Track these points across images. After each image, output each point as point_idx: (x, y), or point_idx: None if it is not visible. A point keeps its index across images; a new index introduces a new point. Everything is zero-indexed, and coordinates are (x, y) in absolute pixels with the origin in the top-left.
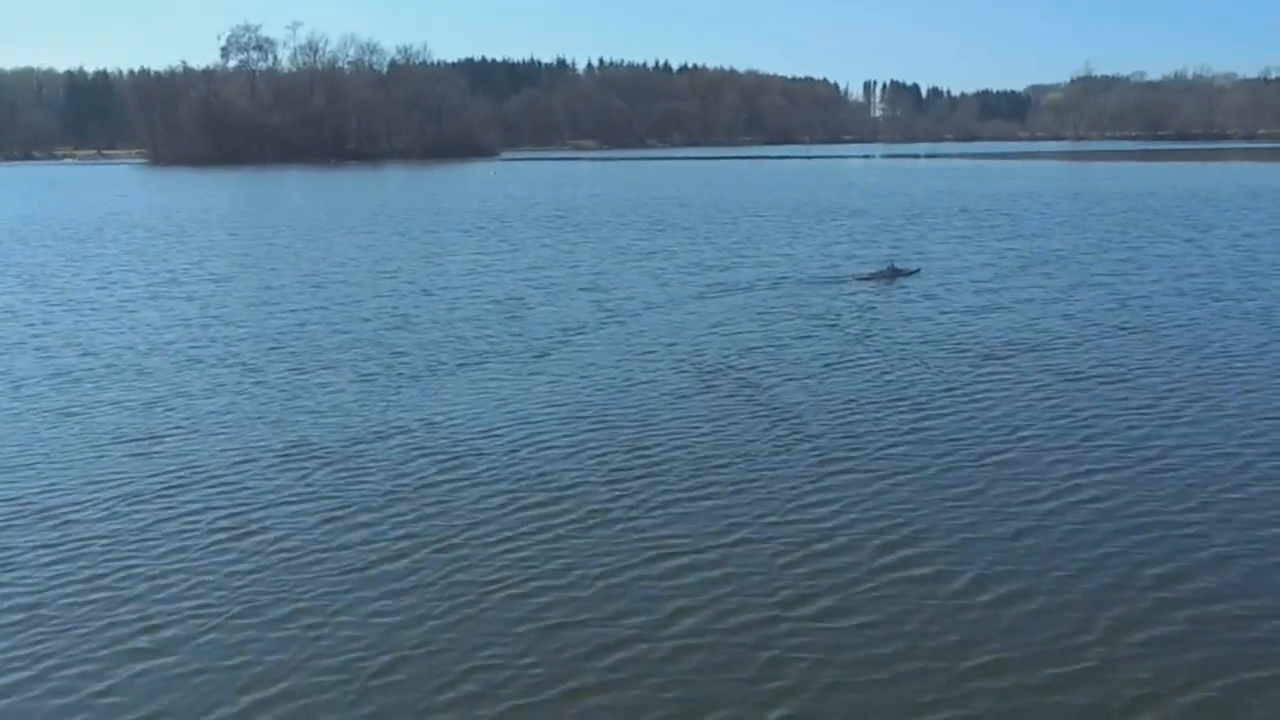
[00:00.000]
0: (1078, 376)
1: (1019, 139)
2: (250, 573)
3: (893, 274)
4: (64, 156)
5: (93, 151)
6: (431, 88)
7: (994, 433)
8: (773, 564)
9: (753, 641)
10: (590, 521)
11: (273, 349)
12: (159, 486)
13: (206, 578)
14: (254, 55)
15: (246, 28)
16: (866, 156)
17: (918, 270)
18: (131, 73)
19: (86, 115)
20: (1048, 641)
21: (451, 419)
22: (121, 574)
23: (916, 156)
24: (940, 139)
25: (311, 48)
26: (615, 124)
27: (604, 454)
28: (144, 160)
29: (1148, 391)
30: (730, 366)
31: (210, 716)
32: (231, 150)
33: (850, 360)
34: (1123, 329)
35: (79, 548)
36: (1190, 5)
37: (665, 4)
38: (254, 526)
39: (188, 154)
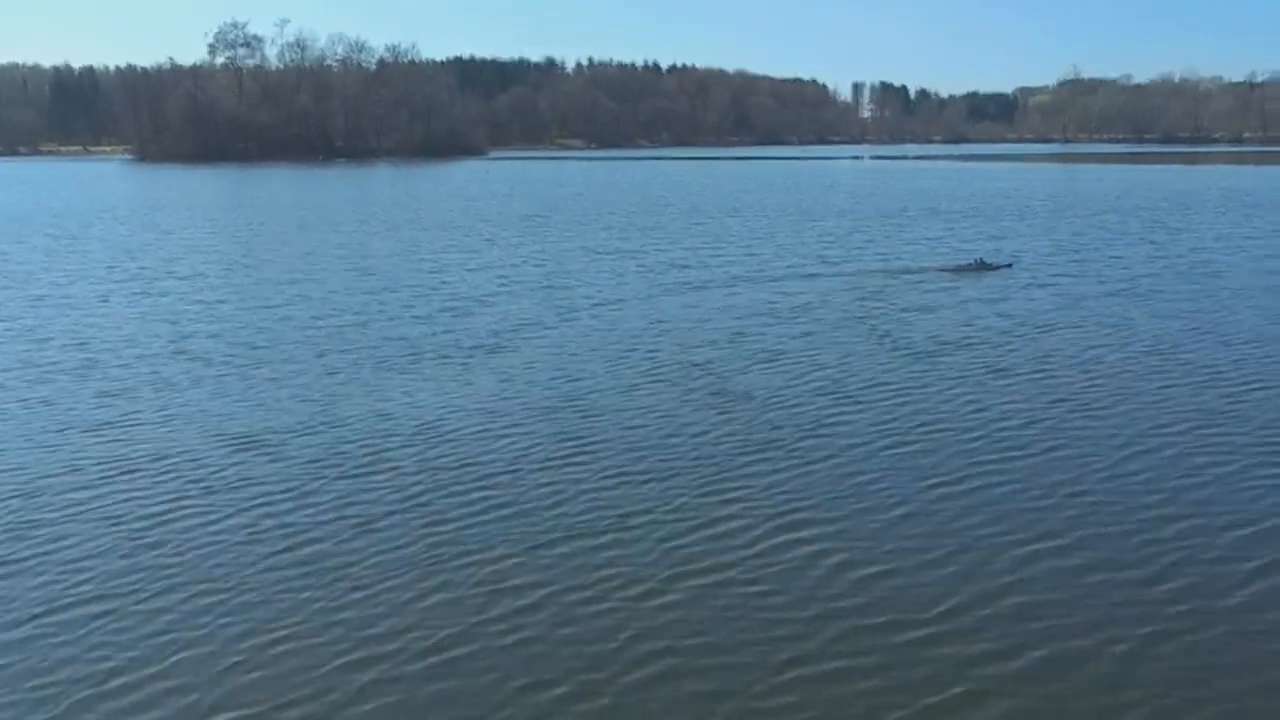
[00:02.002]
0: (999, 372)
1: (1007, 140)
2: (175, 551)
3: (980, 267)
4: (49, 153)
5: (78, 148)
6: (420, 86)
7: (912, 421)
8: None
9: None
10: (519, 504)
11: (227, 345)
12: (108, 473)
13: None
14: (241, 52)
15: (234, 24)
16: (855, 158)
17: (1008, 265)
18: (118, 68)
19: (72, 111)
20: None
21: (385, 414)
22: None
23: (904, 158)
24: (929, 140)
25: (299, 45)
26: (603, 123)
27: (539, 440)
28: (131, 156)
29: (1061, 388)
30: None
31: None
32: (218, 147)
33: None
34: (1052, 327)
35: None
36: (1177, 9)
37: (655, 4)
38: (189, 510)
39: (174, 150)
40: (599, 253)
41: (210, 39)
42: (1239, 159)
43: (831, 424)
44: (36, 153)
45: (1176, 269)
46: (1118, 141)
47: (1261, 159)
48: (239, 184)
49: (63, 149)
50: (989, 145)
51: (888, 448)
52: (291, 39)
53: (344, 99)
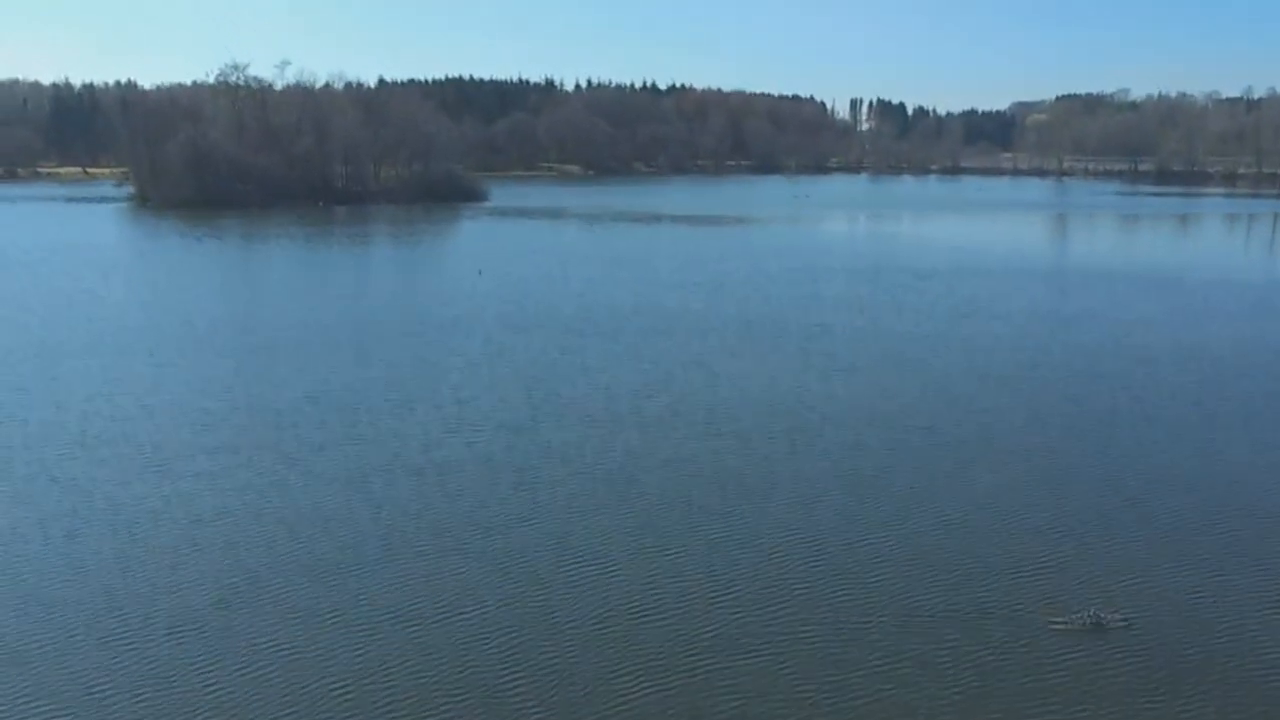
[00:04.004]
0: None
1: (1003, 171)
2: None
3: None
4: (48, 174)
5: (77, 170)
6: (417, 126)
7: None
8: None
9: None
10: None
11: None
12: None
13: None
14: (242, 94)
15: (235, 66)
16: (849, 214)
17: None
18: (118, 84)
19: (71, 130)
20: None
21: None
22: None
23: (897, 220)
24: (926, 169)
25: (300, 87)
26: (601, 148)
27: None
28: (131, 192)
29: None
30: None
31: None
32: (218, 192)
33: None
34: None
35: None
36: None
37: (654, 22)
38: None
39: (174, 195)
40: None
41: (211, 80)
42: (1232, 217)
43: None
44: (35, 174)
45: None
46: (1113, 176)
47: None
48: (242, 273)
49: (61, 171)
50: (982, 182)
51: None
52: (293, 80)
53: (345, 142)
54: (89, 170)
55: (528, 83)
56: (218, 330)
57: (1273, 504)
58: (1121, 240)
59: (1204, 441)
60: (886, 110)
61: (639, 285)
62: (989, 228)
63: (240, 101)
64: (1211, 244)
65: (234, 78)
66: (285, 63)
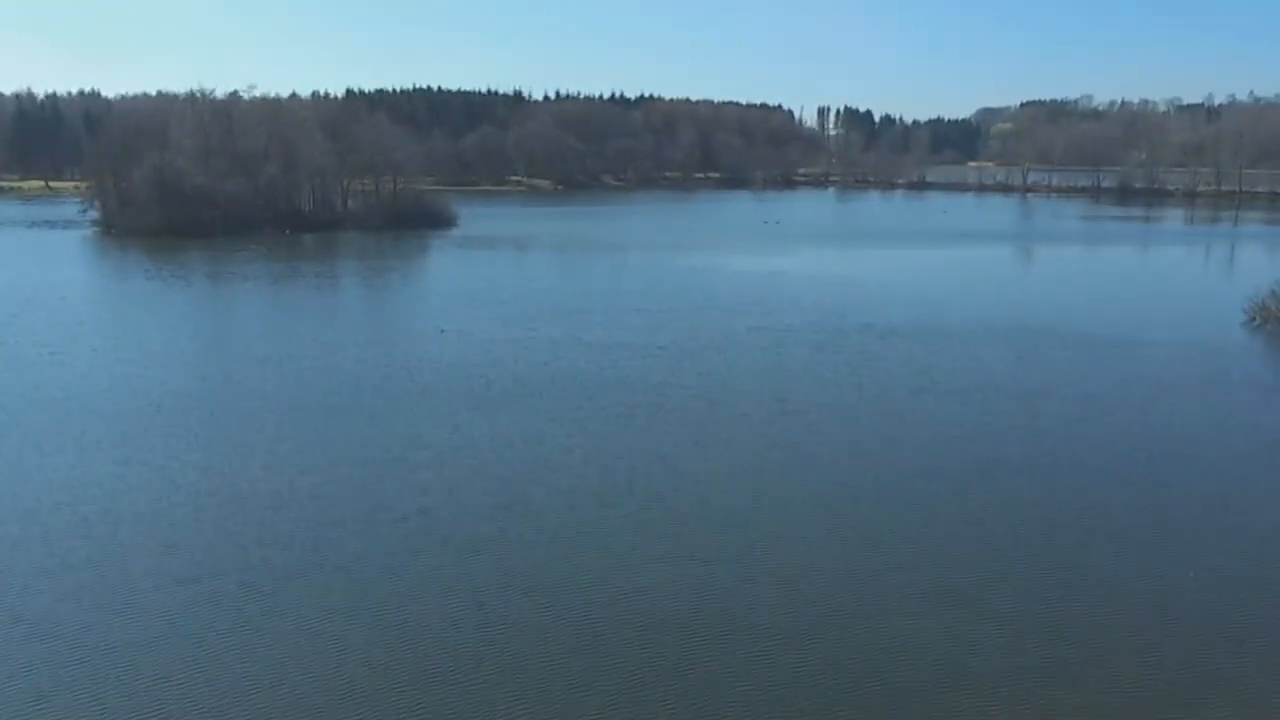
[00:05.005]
0: None
1: (968, 187)
2: None
3: None
4: (11, 190)
5: (40, 183)
6: (386, 151)
7: None
8: None
9: None
10: None
11: None
12: None
13: None
14: (207, 114)
15: (202, 91)
16: (815, 250)
17: None
18: (82, 93)
19: (35, 143)
20: None
21: None
22: None
23: (861, 258)
24: (893, 184)
25: (266, 100)
26: (570, 162)
27: None
28: (95, 223)
29: None
30: None
31: None
32: (184, 221)
33: None
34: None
35: None
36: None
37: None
38: None
39: (139, 225)
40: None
41: (179, 92)
42: (1189, 239)
43: None
44: None
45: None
46: (1076, 194)
47: (1212, 215)
48: (210, 327)
49: (24, 185)
50: (947, 201)
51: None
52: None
53: (312, 168)
54: (52, 185)
55: (496, 93)
56: (179, 404)
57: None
58: (1081, 288)
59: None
60: (854, 118)
61: (603, 349)
62: (952, 270)
63: (207, 123)
64: (1167, 293)
65: (201, 104)
66: (251, 86)
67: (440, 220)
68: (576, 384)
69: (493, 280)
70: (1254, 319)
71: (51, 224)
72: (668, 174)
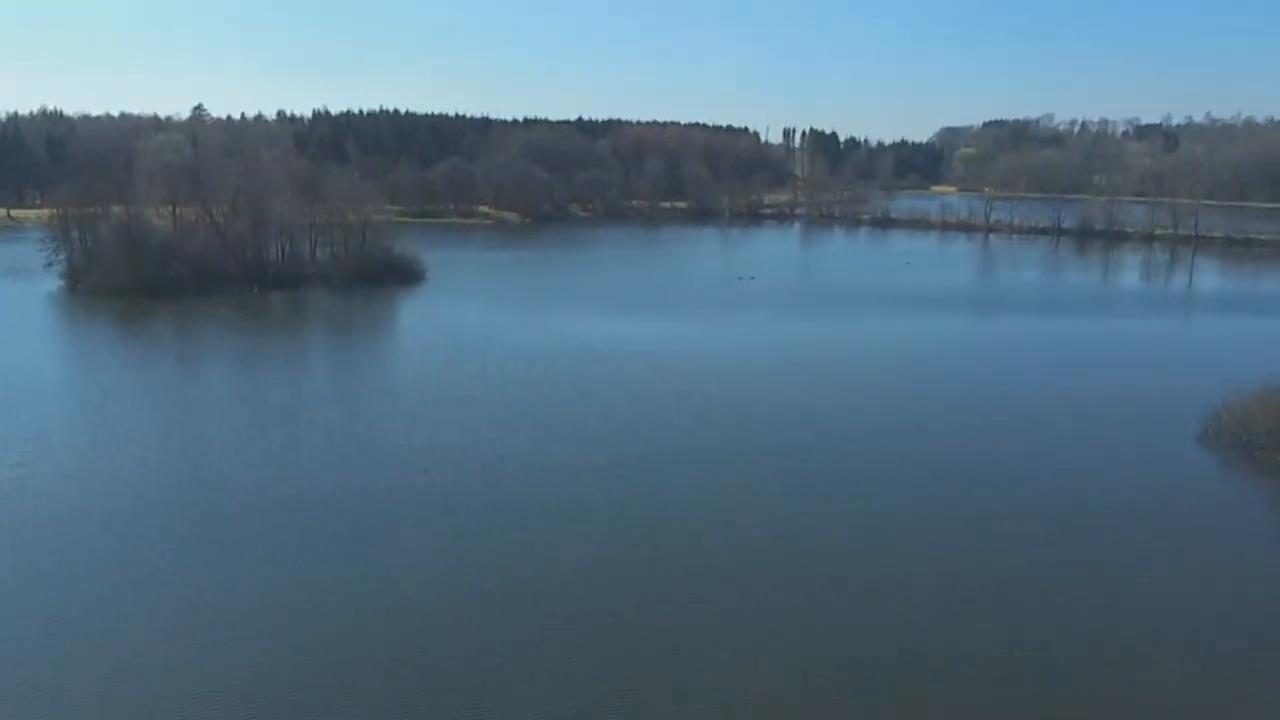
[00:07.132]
0: None
1: (931, 225)
2: None
3: None
4: None
5: (2, 212)
6: (354, 206)
7: None
8: None
9: None
10: None
11: None
12: None
13: None
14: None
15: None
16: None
17: None
18: (44, 112)
19: None
20: None
21: None
22: None
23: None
24: (858, 220)
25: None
26: (538, 193)
27: None
28: (61, 277)
29: None
30: None
31: None
32: (151, 279)
33: None
34: None
35: None
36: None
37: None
38: None
39: (107, 284)
40: None
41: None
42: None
43: None
44: None
45: None
46: (1038, 235)
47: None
48: (175, 410)
49: None
50: (910, 244)
51: None
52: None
53: (281, 224)
54: (13, 214)
55: (465, 118)
56: (143, 517)
57: None
58: (1030, 394)
59: None
60: (819, 140)
61: (564, 459)
62: (906, 361)
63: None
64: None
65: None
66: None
67: (410, 275)
68: (535, 501)
69: (459, 357)
70: (1208, 431)
71: (15, 274)
72: (635, 203)
